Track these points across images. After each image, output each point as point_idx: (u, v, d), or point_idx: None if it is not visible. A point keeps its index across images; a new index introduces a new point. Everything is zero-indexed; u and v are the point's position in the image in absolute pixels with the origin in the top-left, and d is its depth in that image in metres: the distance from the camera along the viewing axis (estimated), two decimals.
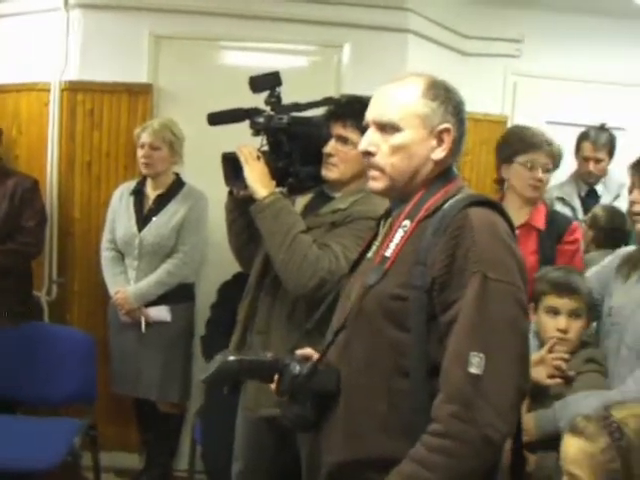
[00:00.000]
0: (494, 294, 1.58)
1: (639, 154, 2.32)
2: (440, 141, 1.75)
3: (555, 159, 3.13)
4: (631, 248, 2.43)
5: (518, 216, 3.09)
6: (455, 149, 1.79)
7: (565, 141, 3.47)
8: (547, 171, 3.08)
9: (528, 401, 2.28)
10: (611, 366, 2.31)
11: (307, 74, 4.10)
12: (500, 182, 3.23)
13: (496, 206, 1.73)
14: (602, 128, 4.33)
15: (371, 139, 1.77)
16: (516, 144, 3.09)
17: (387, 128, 1.74)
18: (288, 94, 2.64)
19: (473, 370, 1.53)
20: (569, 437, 1.49)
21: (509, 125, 4.61)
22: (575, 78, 4.70)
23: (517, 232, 3.02)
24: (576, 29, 4.66)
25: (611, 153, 4.32)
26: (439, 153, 1.75)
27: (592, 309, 2.38)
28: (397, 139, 1.73)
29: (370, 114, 1.79)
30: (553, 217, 3.19)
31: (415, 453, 1.56)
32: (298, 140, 2.55)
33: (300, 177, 2.56)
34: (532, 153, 3.04)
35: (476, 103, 4.50)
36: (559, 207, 4.27)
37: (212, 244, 3.89)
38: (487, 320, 1.56)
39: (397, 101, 1.75)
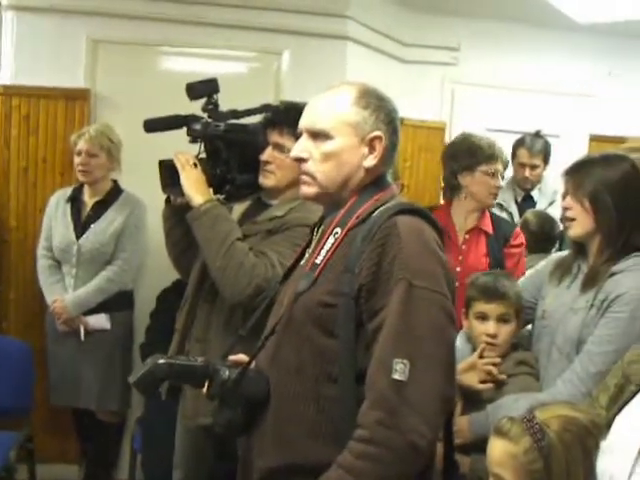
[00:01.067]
0: (419, 301, 1.60)
1: (573, 161, 2.38)
2: (372, 149, 1.77)
3: (505, 168, 3.31)
4: (564, 253, 2.48)
5: (468, 221, 3.24)
6: (387, 157, 1.80)
7: (503, 148, 3.53)
8: (502, 178, 3.26)
9: (462, 404, 2.32)
10: (543, 368, 2.35)
11: (246, 80, 4.11)
12: (451, 188, 3.29)
13: (425, 214, 1.75)
14: (537, 135, 4.43)
15: (303, 146, 1.79)
16: (477, 154, 3.18)
17: (319, 136, 1.76)
18: (227, 101, 2.63)
19: (397, 377, 1.54)
20: (494, 439, 1.52)
21: (447, 132, 4.69)
22: (511, 86, 4.82)
23: (467, 236, 3.20)
24: (512, 38, 4.79)
25: (546, 160, 4.42)
26: (370, 161, 1.77)
27: (521, 313, 2.42)
28: (328, 147, 1.75)
29: (303, 122, 1.81)
30: (498, 222, 3.33)
31: (342, 459, 1.57)
32: (235, 147, 2.54)
33: (237, 184, 2.55)
34: (493, 162, 3.17)
35: (415, 110, 4.58)
36: (497, 213, 4.36)
37: (151, 251, 3.86)
38: (412, 327, 1.58)
39: (329, 109, 1.76)
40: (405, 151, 4.63)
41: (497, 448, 1.51)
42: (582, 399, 2.01)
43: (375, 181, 1.80)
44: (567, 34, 4.68)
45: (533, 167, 4.38)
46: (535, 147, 4.37)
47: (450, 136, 4.72)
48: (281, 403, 1.72)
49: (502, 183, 3.29)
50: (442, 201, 3.63)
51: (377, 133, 1.76)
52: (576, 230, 2.28)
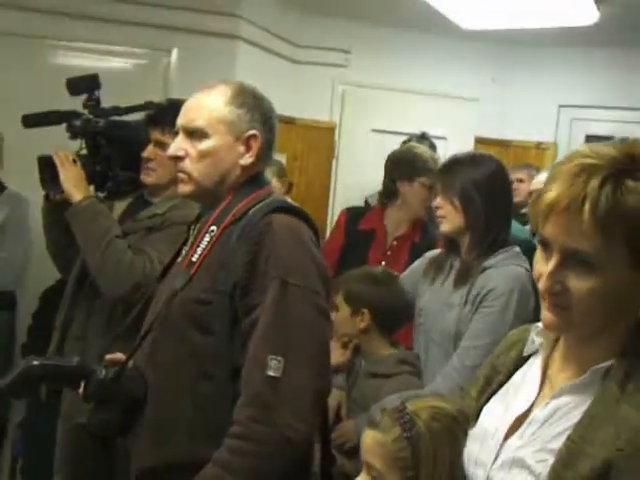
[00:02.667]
0: (293, 299, 1.63)
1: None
2: (248, 147, 1.79)
3: None
4: (437, 251, 2.57)
5: (399, 227, 3.29)
6: (263, 155, 1.83)
7: (389, 149, 3.62)
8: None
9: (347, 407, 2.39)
10: (423, 365, 2.43)
11: (135, 77, 4.07)
12: (387, 194, 3.34)
13: (300, 213, 1.79)
14: (423, 137, 4.54)
15: (180, 145, 1.79)
16: (419, 165, 3.24)
17: (195, 134, 1.77)
18: (115, 97, 2.60)
19: (271, 373, 1.57)
20: (367, 430, 1.57)
21: (337, 132, 4.77)
22: (400, 89, 4.92)
23: (395, 242, 3.25)
24: (402, 42, 4.90)
25: None
26: (247, 159, 1.79)
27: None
28: (204, 145, 1.77)
29: (179, 120, 1.82)
30: (427, 229, 3.34)
31: (218, 456, 1.59)
32: (117, 144, 2.52)
33: (119, 181, 2.53)
34: (431, 176, 3.17)
35: (306, 110, 4.64)
36: None
37: (36, 249, 3.75)
38: (285, 324, 1.62)
39: (204, 108, 1.78)
40: (295, 150, 4.68)
41: (368, 438, 1.56)
42: (460, 392, 2.09)
43: (252, 179, 1.83)
44: (453, 40, 4.83)
45: None
46: (423, 144, 4.49)
47: (339, 136, 4.82)
48: (158, 402, 1.72)
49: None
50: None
51: (253, 132, 1.79)
52: (447, 228, 2.37)
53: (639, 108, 5.06)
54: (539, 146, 5.22)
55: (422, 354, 2.44)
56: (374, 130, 4.78)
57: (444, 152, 4.66)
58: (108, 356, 1.87)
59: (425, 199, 3.23)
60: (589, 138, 5.32)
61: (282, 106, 4.36)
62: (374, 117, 4.85)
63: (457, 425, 1.46)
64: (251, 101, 1.81)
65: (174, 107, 2.36)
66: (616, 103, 5.11)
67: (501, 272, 2.27)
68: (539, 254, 1.20)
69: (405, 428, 1.52)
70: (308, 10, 4.61)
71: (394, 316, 2.49)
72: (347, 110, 4.88)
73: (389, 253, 3.26)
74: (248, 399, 1.59)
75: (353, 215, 3.44)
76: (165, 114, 2.46)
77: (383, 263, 3.18)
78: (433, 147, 4.53)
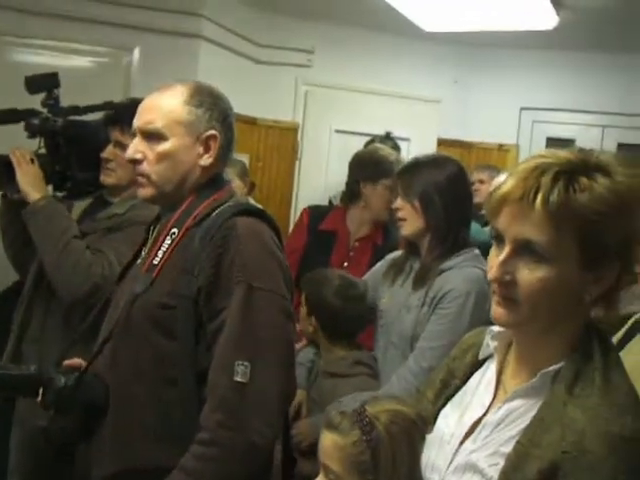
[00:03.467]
0: (258, 303, 1.62)
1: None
2: (207, 148, 1.77)
3: None
4: (397, 253, 2.58)
5: (361, 228, 3.27)
6: (222, 155, 1.80)
7: (352, 149, 3.62)
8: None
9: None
10: (381, 366, 2.44)
11: (97, 76, 4.02)
12: (350, 195, 3.33)
13: (263, 215, 1.77)
14: (387, 137, 4.57)
15: (137, 147, 1.76)
16: (383, 167, 3.22)
17: (152, 136, 1.74)
18: (76, 96, 2.56)
19: (238, 378, 1.56)
20: (325, 432, 1.57)
21: (299, 133, 4.77)
22: (363, 89, 4.94)
23: (357, 244, 3.23)
24: (365, 43, 4.92)
25: None
26: (206, 160, 1.77)
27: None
28: (162, 147, 1.74)
29: (136, 122, 1.78)
30: (390, 231, 3.29)
31: (184, 462, 1.57)
32: (76, 144, 2.49)
33: (78, 181, 2.50)
34: (394, 179, 3.18)
35: (269, 110, 4.63)
36: None
37: None
38: (252, 329, 1.61)
39: (161, 109, 1.75)
40: (257, 151, 4.67)
41: (327, 440, 1.55)
42: (416, 393, 2.10)
43: (212, 180, 1.80)
44: (416, 42, 4.86)
45: None
46: (388, 144, 4.50)
47: (302, 137, 4.82)
48: (121, 408, 1.69)
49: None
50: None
51: (212, 132, 1.76)
52: (407, 230, 2.38)
53: (600, 111, 5.15)
54: (501, 148, 5.28)
55: (381, 356, 2.45)
56: (337, 131, 4.79)
57: (407, 153, 4.72)
58: (67, 362, 1.83)
59: (388, 201, 3.17)
60: (550, 140, 5.40)
61: (245, 106, 4.46)
62: (337, 118, 4.86)
63: (416, 429, 1.47)
64: (209, 100, 1.78)
65: (134, 107, 2.35)
66: (577, 106, 5.20)
67: (459, 274, 2.28)
68: (493, 250, 1.21)
69: (365, 431, 1.52)
70: (271, 10, 4.60)
71: (343, 327, 2.49)
72: (310, 110, 4.88)
73: (351, 254, 3.25)
74: (215, 405, 1.58)
75: (316, 214, 3.42)
76: (125, 114, 2.43)
77: (345, 264, 3.18)
78: (397, 148, 4.55)
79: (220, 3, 4.23)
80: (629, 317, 1.82)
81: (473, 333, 1.47)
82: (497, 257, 1.18)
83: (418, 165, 2.41)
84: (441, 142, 5.12)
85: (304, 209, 3.58)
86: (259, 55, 4.69)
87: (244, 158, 4.45)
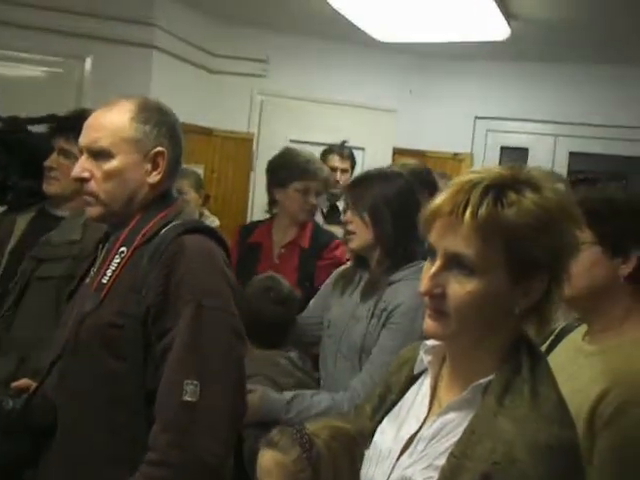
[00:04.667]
0: (208, 322, 1.61)
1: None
2: (155, 165, 1.75)
3: (326, 183, 3.32)
4: (346, 265, 2.58)
5: (286, 235, 3.24)
6: (171, 171, 1.79)
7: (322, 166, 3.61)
8: (319, 195, 3.26)
9: None
10: (330, 375, 2.43)
11: (48, 86, 3.97)
12: (270, 202, 3.31)
13: (212, 233, 1.76)
14: (343, 146, 4.59)
15: (84, 166, 1.73)
16: (292, 170, 3.19)
17: (100, 155, 1.71)
18: (27, 105, 2.54)
19: (188, 398, 1.54)
20: (265, 450, 1.56)
21: (255, 143, 4.76)
22: (318, 99, 4.95)
23: (283, 250, 3.19)
24: (319, 53, 4.93)
25: (353, 166, 4.58)
26: (154, 177, 1.75)
27: None
28: (109, 165, 1.71)
29: (82, 141, 1.75)
30: (318, 234, 3.30)
31: None
32: (16, 152, 2.44)
33: (19, 191, 2.44)
34: (307, 180, 3.17)
35: (224, 121, 4.62)
36: None
37: None
38: (201, 348, 1.59)
39: (108, 127, 1.72)
40: (213, 161, 4.65)
41: (266, 458, 1.55)
42: (356, 409, 2.10)
43: (161, 197, 1.78)
44: (371, 51, 4.87)
45: (343, 171, 4.53)
46: (345, 152, 4.53)
47: (257, 147, 4.80)
48: (70, 430, 1.66)
49: (318, 200, 3.29)
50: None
51: (159, 149, 1.75)
52: (356, 243, 2.38)
53: (552, 121, 5.23)
54: (455, 157, 5.33)
55: (330, 365, 2.45)
56: (292, 141, 4.75)
57: (362, 163, 4.74)
58: (15, 384, 1.80)
59: (302, 203, 3.18)
60: (504, 149, 5.47)
61: (200, 117, 4.46)
62: (293, 127, 4.85)
63: (356, 445, 1.47)
64: (156, 116, 1.76)
65: (80, 116, 2.31)
66: (530, 115, 5.27)
67: (408, 287, 2.28)
68: (427, 263, 1.23)
69: (305, 448, 1.53)
70: (226, 19, 4.58)
71: (261, 330, 2.46)
72: (265, 120, 4.87)
73: (277, 262, 3.21)
74: (164, 425, 1.55)
75: (245, 231, 3.41)
76: (70, 122, 2.38)
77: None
78: (352, 157, 4.59)
79: (173, 12, 4.20)
80: (553, 331, 1.88)
81: (409, 348, 1.48)
82: (429, 270, 1.20)
83: (367, 179, 2.42)
84: (396, 151, 5.16)
85: (236, 228, 3.57)
86: (214, 65, 4.67)
87: (199, 169, 4.43)
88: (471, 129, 5.38)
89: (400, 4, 3.58)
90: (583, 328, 1.78)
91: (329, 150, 4.55)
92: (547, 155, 5.29)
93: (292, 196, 3.19)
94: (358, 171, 4.63)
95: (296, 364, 2.47)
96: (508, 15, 3.85)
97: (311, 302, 2.65)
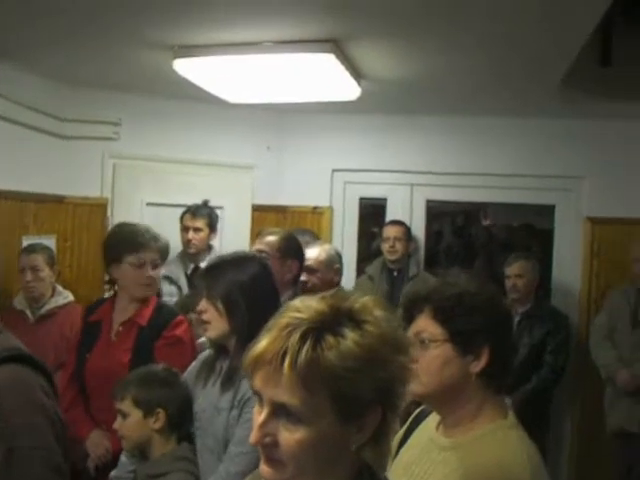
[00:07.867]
0: (20, 464, 1.46)
1: (237, 231, 2.43)
2: None
3: (162, 253, 3.18)
4: (207, 352, 2.51)
5: (125, 312, 3.07)
6: None
7: (165, 222, 3.54)
8: (156, 267, 3.12)
9: None
10: (200, 469, 2.36)
11: None
12: (112, 281, 3.17)
13: (29, 360, 1.59)
14: (205, 205, 4.57)
15: None
16: (124, 244, 3.06)
17: None
18: None
19: None
20: None
21: (110, 208, 4.62)
22: (174, 160, 4.87)
23: (121, 328, 3.02)
24: (172, 113, 4.85)
25: (211, 226, 4.55)
26: None
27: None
28: None
29: None
30: (159, 312, 3.12)
31: None
32: None
33: None
34: (139, 252, 3.04)
35: (75, 187, 4.46)
36: (166, 286, 4.35)
37: None
38: None
39: None
40: (65, 230, 4.46)
41: None
42: None
43: None
44: (226, 109, 4.79)
45: (196, 230, 4.48)
46: (198, 212, 4.50)
47: (112, 212, 4.66)
48: None
49: (156, 272, 3.14)
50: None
51: None
52: (212, 333, 2.33)
53: (407, 170, 5.35)
54: (315, 210, 5.36)
55: (199, 459, 2.38)
56: (150, 204, 4.68)
57: (222, 221, 4.71)
58: None
59: (138, 277, 3.06)
60: (363, 200, 5.56)
61: (50, 184, 4.29)
62: (148, 190, 4.75)
63: None
64: None
65: None
66: (387, 166, 5.38)
67: None
68: (256, 407, 1.20)
69: None
70: (72, 83, 4.41)
71: (185, 412, 2.45)
72: (119, 184, 4.71)
73: (114, 339, 3.05)
74: None
75: (88, 310, 3.26)
76: None
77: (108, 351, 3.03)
78: (212, 212, 4.56)
79: (14, 79, 3.98)
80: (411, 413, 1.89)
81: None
82: (259, 414, 1.17)
83: (220, 265, 2.37)
84: (256, 208, 5.14)
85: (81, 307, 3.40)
86: (63, 130, 4.48)
87: (51, 239, 4.25)
88: (329, 182, 5.42)
89: (249, 70, 3.56)
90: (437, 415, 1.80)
91: (185, 211, 4.52)
92: (405, 204, 5.42)
93: (127, 271, 3.06)
94: (220, 231, 4.63)
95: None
96: (358, 75, 3.92)
97: None
